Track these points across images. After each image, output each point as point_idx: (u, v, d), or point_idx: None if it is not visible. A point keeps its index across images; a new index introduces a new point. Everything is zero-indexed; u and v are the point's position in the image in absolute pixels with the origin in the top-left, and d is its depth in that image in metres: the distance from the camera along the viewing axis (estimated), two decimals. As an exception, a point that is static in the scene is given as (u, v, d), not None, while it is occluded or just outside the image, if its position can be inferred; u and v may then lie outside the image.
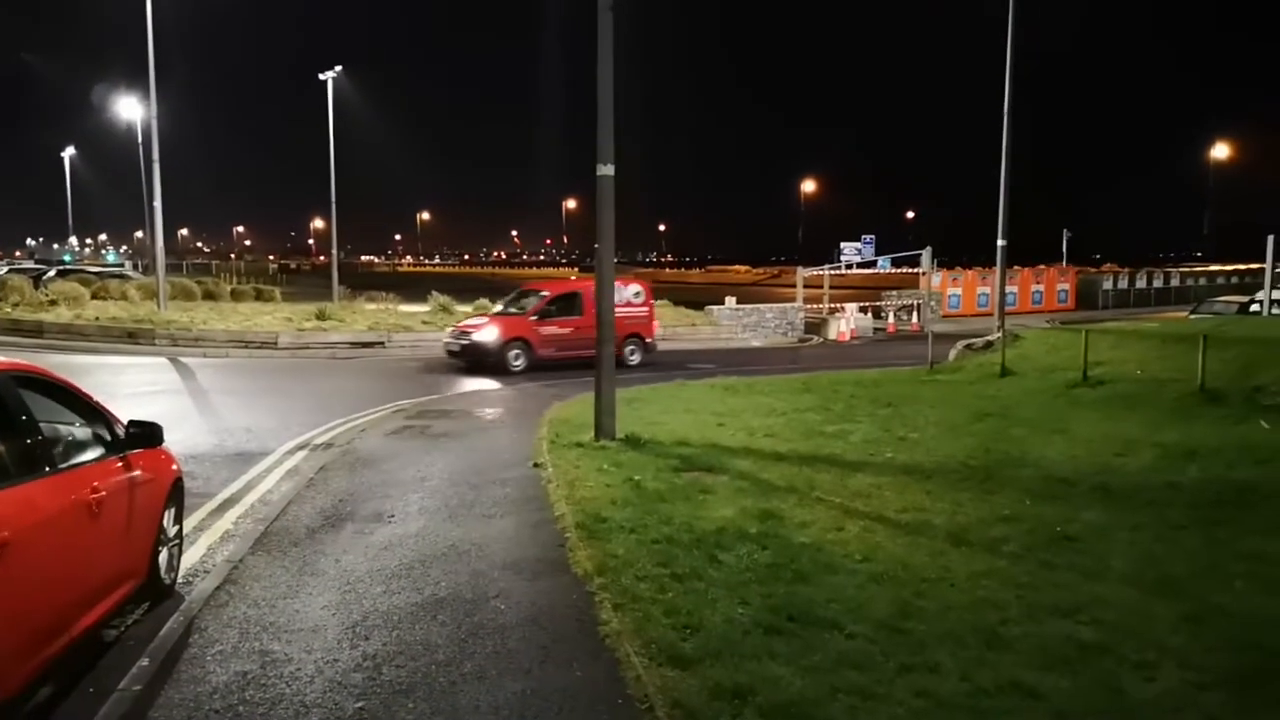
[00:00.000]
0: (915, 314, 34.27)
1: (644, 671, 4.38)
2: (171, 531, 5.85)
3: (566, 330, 19.31)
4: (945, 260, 45.84)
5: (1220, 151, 53.52)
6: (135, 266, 56.26)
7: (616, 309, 17.54)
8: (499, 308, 21.95)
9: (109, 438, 5.17)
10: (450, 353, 19.76)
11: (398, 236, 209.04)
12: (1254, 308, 24.41)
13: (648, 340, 21.13)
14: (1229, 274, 49.32)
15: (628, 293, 20.67)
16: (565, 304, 19.87)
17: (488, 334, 19.17)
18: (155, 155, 25.62)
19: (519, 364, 18.83)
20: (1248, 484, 8.10)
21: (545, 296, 20.26)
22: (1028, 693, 4.19)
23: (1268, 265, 23.06)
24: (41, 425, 4.47)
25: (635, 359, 20.61)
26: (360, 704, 4.17)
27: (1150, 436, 10.20)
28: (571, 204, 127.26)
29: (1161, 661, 4.53)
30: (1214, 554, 6.27)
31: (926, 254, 34.50)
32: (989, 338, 20.41)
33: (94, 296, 29.18)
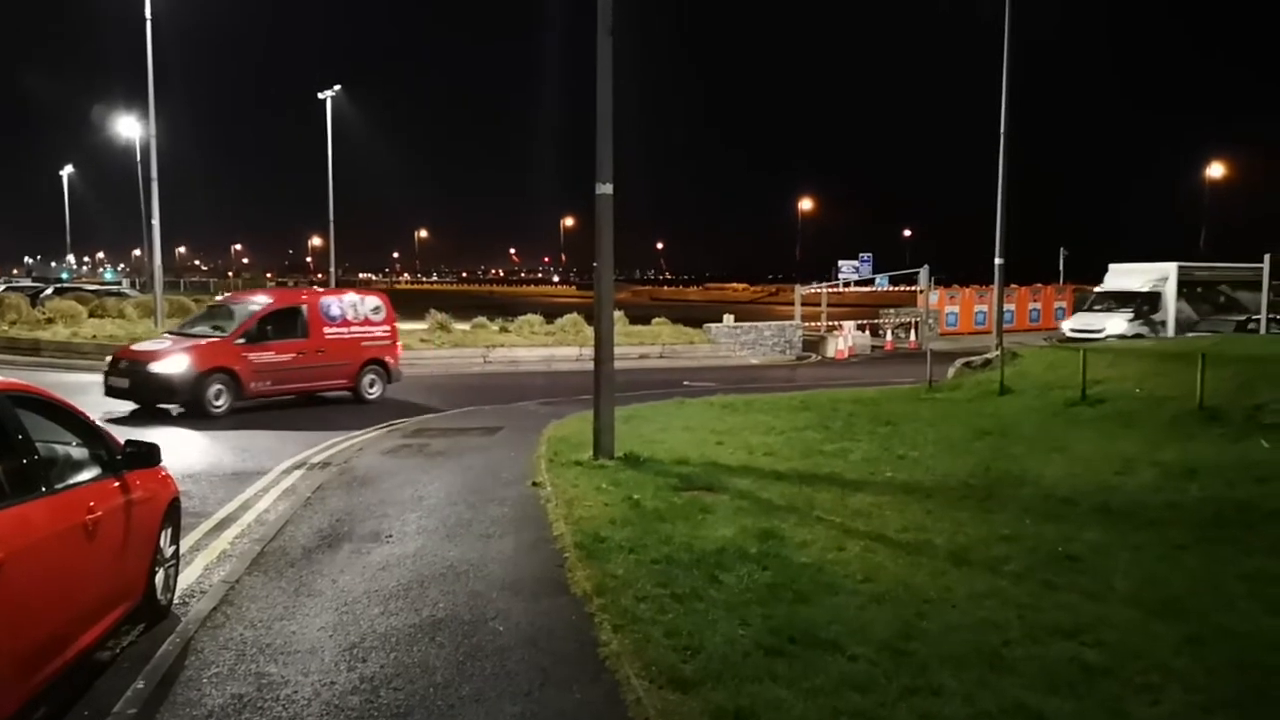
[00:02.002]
0: (913, 332, 34.29)
1: (644, 694, 4.34)
2: (168, 552, 5.81)
3: (286, 357, 15.27)
4: (943, 278, 45.97)
5: (1216, 170, 53.78)
6: (133, 284, 56.32)
7: (349, 328, 16.16)
8: (197, 325, 16.65)
9: (106, 458, 5.14)
10: (113, 389, 14.33)
11: (395, 254, 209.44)
12: (1251, 325, 24.48)
13: (392, 367, 17.15)
14: (1226, 292, 49.32)
15: (365, 307, 16.79)
16: (283, 322, 15.58)
17: (174, 364, 14.12)
18: (154, 174, 25.69)
19: (221, 404, 14.26)
20: (1248, 503, 8.08)
21: (255, 313, 15.46)
22: (1032, 716, 4.15)
23: (1265, 283, 23.14)
24: (38, 445, 4.45)
25: (375, 392, 16.66)
26: (358, 727, 4.12)
27: (1150, 455, 10.18)
28: (570, 222, 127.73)
29: (1166, 683, 4.50)
30: (1215, 574, 6.24)
31: (924, 272, 34.55)
32: (987, 355, 20.41)
33: (91, 314, 29.14)
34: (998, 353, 19.02)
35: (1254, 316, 25.83)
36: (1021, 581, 6.10)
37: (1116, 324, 26.93)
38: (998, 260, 23.26)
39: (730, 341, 29.58)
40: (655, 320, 30.78)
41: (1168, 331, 26.99)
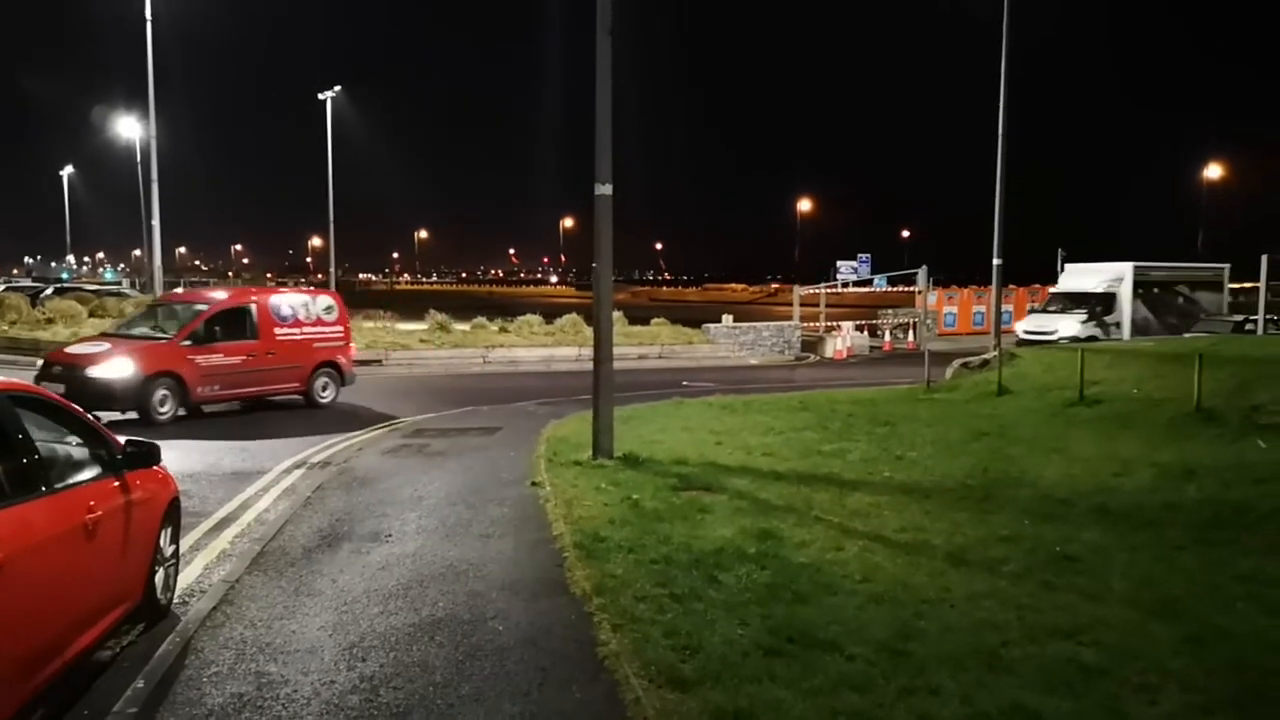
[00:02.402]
0: (911, 332, 34.31)
1: (643, 694, 4.35)
2: (168, 551, 5.82)
3: (236, 360, 14.43)
4: (941, 279, 46.00)
5: (1214, 171, 53.84)
6: (133, 284, 56.28)
7: (301, 328, 15.45)
8: (137, 326, 15.86)
9: (106, 457, 5.15)
10: None
11: (395, 254, 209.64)
12: (1249, 326, 24.50)
13: (345, 370, 16.38)
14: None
15: (316, 307, 16.04)
16: (231, 323, 14.73)
17: (116, 368, 13.13)
18: (154, 175, 25.73)
19: (165, 411, 13.37)
20: (1246, 503, 8.10)
21: (202, 313, 14.53)
22: (1030, 716, 4.16)
23: (1262, 284, 23.15)
24: (38, 445, 4.46)
25: (328, 395, 15.94)
26: (357, 727, 4.13)
27: (1147, 456, 10.20)
28: (569, 223, 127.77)
29: (1164, 684, 4.51)
30: (1213, 575, 6.26)
31: (922, 272, 34.56)
32: (985, 356, 20.42)
33: (91, 315, 29.12)
34: (996, 353, 19.03)
35: (1218, 316, 26.17)
36: (1020, 582, 6.12)
37: (1069, 326, 26.39)
38: (995, 261, 23.30)
39: (729, 342, 29.60)
40: (654, 321, 30.81)
41: (1122, 334, 26.52)
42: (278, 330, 15.19)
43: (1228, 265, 29.90)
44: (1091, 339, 25.63)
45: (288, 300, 15.80)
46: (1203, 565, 6.47)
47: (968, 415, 14.11)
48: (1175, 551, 6.81)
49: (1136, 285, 27.27)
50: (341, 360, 16.33)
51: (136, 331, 15.17)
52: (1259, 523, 7.53)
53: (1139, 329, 26.86)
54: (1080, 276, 28.67)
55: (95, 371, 13.14)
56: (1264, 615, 5.48)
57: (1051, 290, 30.41)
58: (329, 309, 16.31)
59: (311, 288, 20.20)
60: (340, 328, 16.45)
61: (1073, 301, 27.44)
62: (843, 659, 4.76)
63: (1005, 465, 10.11)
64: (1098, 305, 27.02)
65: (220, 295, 16.29)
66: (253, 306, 15.11)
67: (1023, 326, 28.31)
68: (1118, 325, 26.90)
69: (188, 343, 14.00)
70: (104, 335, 15.88)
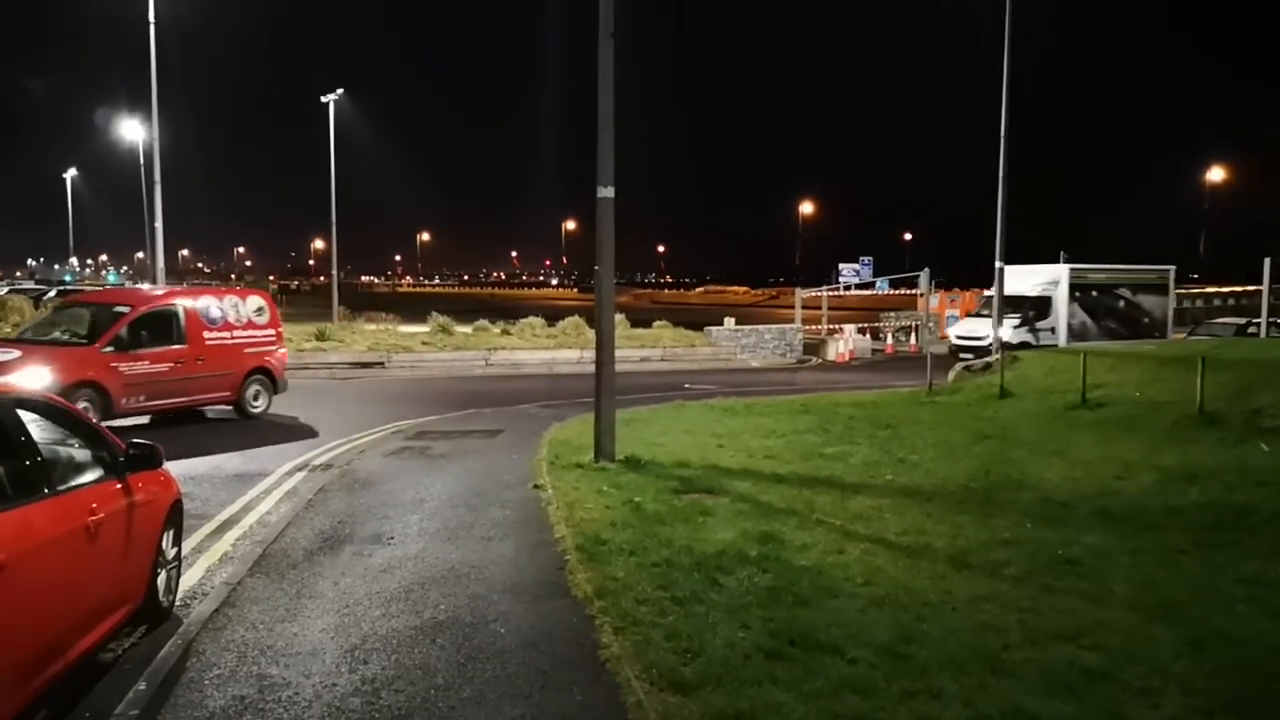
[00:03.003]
0: (913, 335, 34.32)
1: (645, 697, 4.35)
2: (170, 554, 5.82)
3: (162, 368, 13.19)
4: (942, 281, 45.96)
5: (1216, 174, 53.83)
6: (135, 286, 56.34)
7: (232, 332, 14.27)
8: (47, 330, 14.17)
9: (108, 459, 5.16)
10: None
11: (397, 257, 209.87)
12: (1251, 330, 24.46)
13: (278, 377, 15.16)
14: (1226, 295, 49.39)
15: (247, 309, 14.79)
16: (157, 327, 13.38)
17: (30, 378, 11.14)
18: (157, 177, 25.75)
19: None
20: (1248, 507, 8.09)
21: (124, 316, 13.11)
22: (1031, 719, 4.16)
23: (1265, 287, 23.13)
24: (41, 447, 4.47)
25: (260, 405, 14.69)
26: (359, 729, 4.13)
27: (1149, 459, 10.20)
28: (571, 225, 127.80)
29: (1165, 687, 4.51)
30: (1215, 578, 6.25)
31: (924, 275, 34.56)
32: (987, 359, 20.43)
33: (93, 316, 29.18)
34: (998, 356, 19.04)
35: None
36: (1021, 585, 6.11)
37: (1002, 330, 24.97)
38: (998, 264, 23.30)
39: (731, 344, 29.60)
40: (656, 323, 30.84)
41: (1057, 339, 25.65)
42: (207, 334, 13.95)
43: (1173, 268, 29.09)
44: (1023, 345, 24.94)
45: (217, 302, 14.48)
46: (1205, 568, 6.46)
47: (970, 418, 14.12)
48: (1177, 555, 6.81)
49: (1073, 288, 26.45)
50: (273, 366, 15.13)
51: (50, 336, 13.61)
52: (1261, 526, 7.53)
53: (1076, 334, 26.11)
54: (1015, 279, 27.14)
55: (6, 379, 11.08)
56: (1266, 618, 5.47)
57: (986, 293, 29.39)
58: (260, 311, 15.06)
59: (240, 287, 18.21)
60: (272, 331, 15.24)
61: (1009, 305, 26.08)
62: (844, 662, 4.76)
63: (1007, 468, 10.11)
64: (1031, 309, 26.19)
65: (142, 295, 15.15)
66: (180, 308, 13.75)
67: (955, 331, 27.32)
68: (1052, 330, 26.12)
69: (110, 349, 12.64)
70: (11, 341, 13.89)
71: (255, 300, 15.34)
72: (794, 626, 5.21)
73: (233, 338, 14.40)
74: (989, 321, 25.79)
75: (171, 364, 13.31)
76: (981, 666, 4.72)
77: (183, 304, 13.94)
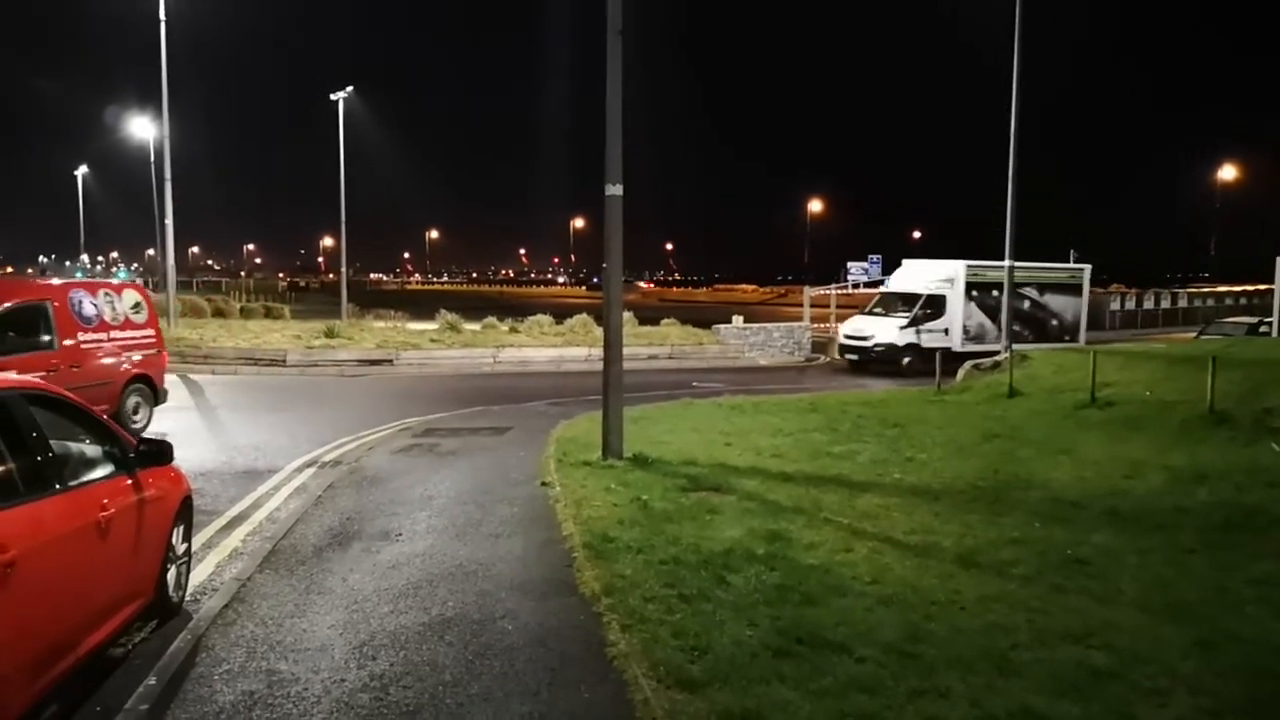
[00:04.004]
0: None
1: (652, 694, 4.36)
2: (180, 549, 5.86)
3: (30, 378, 9.05)
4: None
5: (1228, 173, 53.56)
6: (146, 284, 56.60)
7: (109, 332, 12.20)
8: None
9: (119, 455, 5.19)
10: None
11: (406, 254, 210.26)
12: (1263, 329, 24.33)
13: (159, 386, 13.24)
14: (1237, 295, 49.17)
15: (123, 305, 12.72)
16: (23, 326, 11.32)
17: None
18: (168, 174, 25.84)
19: None
20: (1258, 507, 8.06)
21: None
22: None
23: (1277, 286, 22.96)
24: (52, 443, 4.50)
25: (140, 420, 12.68)
26: (367, 725, 4.15)
27: (1159, 459, 10.16)
28: (580, 223, 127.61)
29: (1174, 688, 4.50)
30: (1224, 578, 6.23)
31: (934, 274, 34.39)
32: (996, 358, 20.37)
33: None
34: (1006, 355, 18.99)
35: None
36: (1030, 585, 6.10)
37: (886, 330, 24.08)
38: (1007, 263, 23.23)
39: (739, 343, 29.55)
40: (664, 321, 30.82)
41: (952, 341, 24.06)
42: (81, 335, 11.87)
43: (1088, 266, 27.17)
44: (911, 347, 23.68)
45: (89, 297, 12.32)
46: (1214, 569, 6.44)
47: (978, 417, 14.08)
48: (1186, 555, 6.78)
49: (971, 287, 24.63)
50: (154, 373, 13.07)
51: None
52: (1271, 527, 7.50)
53: (973, 337, 24.54)
54: (910, 275, 25.82)
55: None
56: (1276, 619, 5.45)
57: (881, 290, 27.70)
58: (137, 307, 13.00)
59: (116, 281, 15.27)
60: (151, 331, 13.19)
61: (902, 303, 24.78)
62: (852, 660, 4.76)
63: (1016, 467, 10.08)
64: (922, 308, 24.32)
65: (3, 285, 13.11)
66: (49, 305, 11.56)
67: (843, 330, 25.75)
68: (945, 332, 24.23)
69: None
70: None
71: (131, 295, 13.22)
72: (801, 625, 5.21)
73: (109, 339, 12.31)
74: (878, 320, 24.46)
75: (44, 373, 10.43)
76: (989, 666, 4.72)
77: (52, 299, 11.65)
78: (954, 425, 13.23)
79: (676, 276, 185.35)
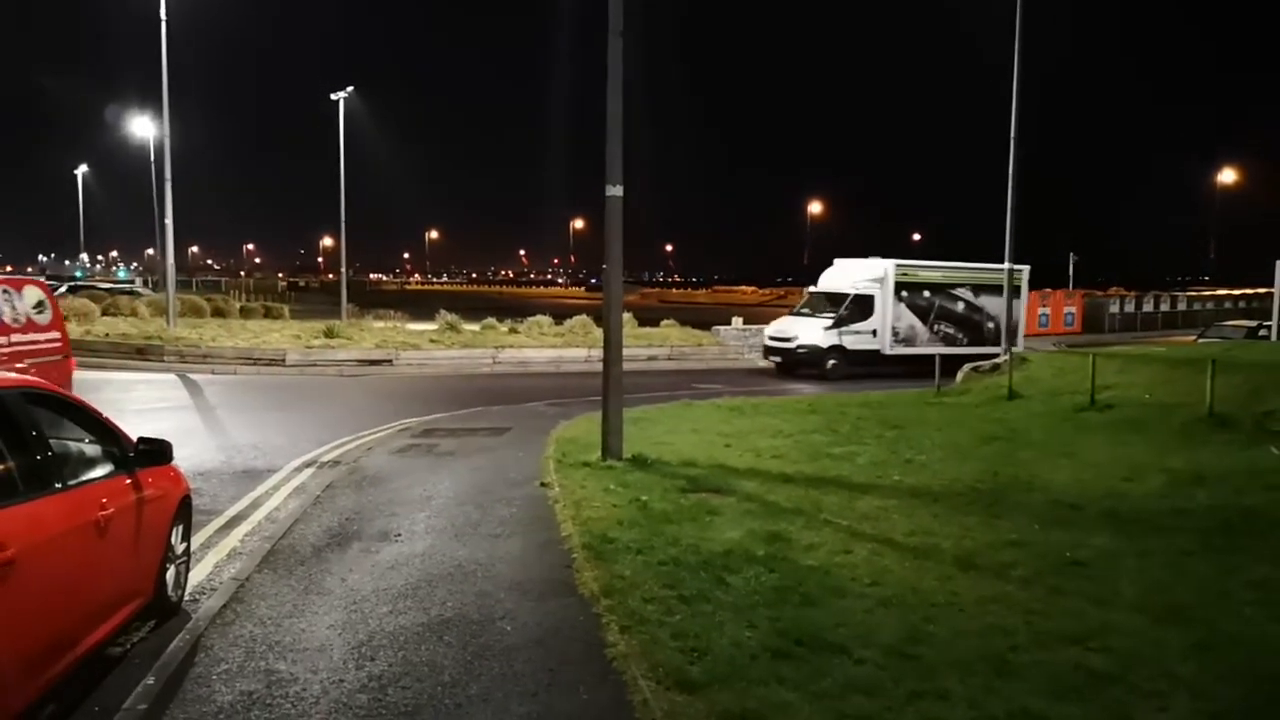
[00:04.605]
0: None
1: (651, 695, 4.36)
2: (179, 549, 5.85)
3: None
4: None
5: (1228, 176, 53.60)
6: (146, 283, 56.69)
7: (9, 336, 10.01)
8: None
9: (118, 455, 5.19)
10: None
11: (406, 255, 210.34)
12: (1262, 332, 24.35)
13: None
14: (1237, 298, 49.28)
15: (24, 304, 10.55)
16: None
17: None
18: (168, 174, 25.83)
19: None
20: (1257, 510, 8.06)
21: None
22: (1038, 721, 4.16)
23: (1277, 290, 22.96)
24: (51, 442, 4.49)
25: None
26: (366, 725, 4.14)
27: (1159, 461, 10.16)
28: (579, 224, 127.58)
29: (1173, 690, 4.50)
30: (1224, 581, 6.23)
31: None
32: (996, 360, 20.37)
33: (104, 313, 29.40)
34: (1006, 357, 18.99)
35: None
36: (1029, 587, 6.10)
37: (810, 332, 22.93)
38: (1006, 265, 23.23)
39: (738, 344, 29.54)
40: (664, 322, 30.84)
41: (879, 344, 23.26)
42: None
43: (1027, 267, 25.64)
44: (836, 349, 22.68)
45: None
46: (1213, 571, 6.44)
47: (977, 419, 14.08)
48: (1185, 557, 6.78)
49: (901, 287, 23.51)
50: (62, 381, 10.32)
51: None
52: (1270, 529, 7.50)
53: (903, 339, 23.55)
54: (839, 274, 24.67)
55: None
56: (1275, 622, 5.45)
57: (810, 289, 26.63)
58: (39, 307, 10.88)
59: (13, 277, 13.28)
60: (56, 334, 11.09)
61: (830, 304, 23.66)
62: (851, 662, 4.76)
63: (1015, 469, 10.08)
64: (849, 309, 23.13)
65: None
66: None
67: (769, 331, 24.89)
68: (873, 333, 23.23)
69: None
70: None
71: (33, 293, 11.00)
72: (801, 626, 5.21)
73: (10, 345, 10.14)
74: (804, 321, 23.40)
75: None
76: (988, 668, 4.71)
77: None
78: (953, 427, 13.23)
79: (676, 278, 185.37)
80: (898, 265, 23.66)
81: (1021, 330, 25.84)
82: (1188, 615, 5.56)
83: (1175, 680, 4.61)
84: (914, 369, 22.51)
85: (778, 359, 23.94)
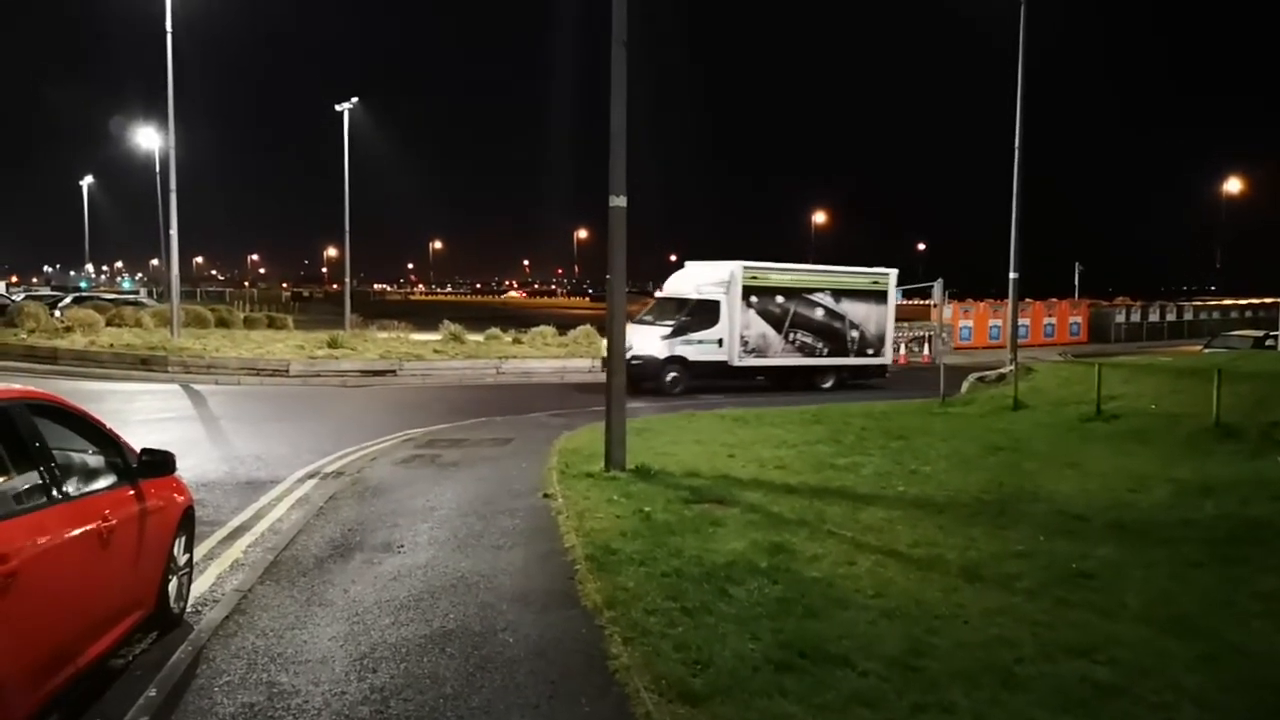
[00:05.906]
0: (926, 346, 34.18)
1: (654, 708, 4.33)
2: (181, 560, 5.85)
3: None
4: (955, 292, 45.85)
5: (1233, 185, 53.55)
6: (150, 294, 56.81)
7: None
8: None
9: (121, 466, 5.19)
10: None
11: (410, 265, 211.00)
12: (1269, 342, 24.27)
13: None
14: (1243, 308, 49.19)
15: None
16: None
17: None
18: (173, 185, 25.91)
19: None
20: (1263, 521, 8.02)
21: None
22: (1043, 734, 4.13)
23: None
24: (54, 453, 4.50)
25: None
26: (367, 738, 4.13)
27: (1164, 472, 10.12)
28: (583, 234, 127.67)
29: (1179, 702, 4.47)
30: (1230, 592, 6.19)
31: (938, 286, 34.14)
32: (1001, 370, 20.33)
33: (109, 323, 29.43)
34: (1012, 368, 18.95)
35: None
36: (1034, 598, 6.07)
37: (648, 341, 20.37)
38: (1012, 275, 23.22)
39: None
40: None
41: (728, 354, 21.16)
42: None
43: (895, 271, 24.00)
44: (676, 360, 20.55)
45: None
46: (1220, 582, 6.40)
47: (983, 430, 14.04)
48: (1192, 568, 6.75)
49: (750, 291, 21.28)
50: None
51: None
52: (1277, 540, 7.46)
53: (753, 349, 21.45)
54: (685, 278, 22.61)
55: None
56: (1282, 634, 5.41)
57: (657, 295, 24.48)
58: None
59: None
60: None
61: (674, 310, 21.50)
62: (854, 674, 4.73)
63: (1020, 480, 10.04)
64: (691, 316, 20.98)
65: None
66: None
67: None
68: (719, 343, 21.07)
69: None
70: None
71: None
72: (804, 638, 5.18)
73: None
74: (643, 329, 20.74)
75: None
76: (993, 680, 4.68)
77: None
78: (958, 438, 13.19)
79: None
80: (745, 268, 21.41)
81: (889, 339, 23.80)
82: (1194, 627, 5.53)
83: (1181, 692, 4.58)
84: (769, 382, 21.88)
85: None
